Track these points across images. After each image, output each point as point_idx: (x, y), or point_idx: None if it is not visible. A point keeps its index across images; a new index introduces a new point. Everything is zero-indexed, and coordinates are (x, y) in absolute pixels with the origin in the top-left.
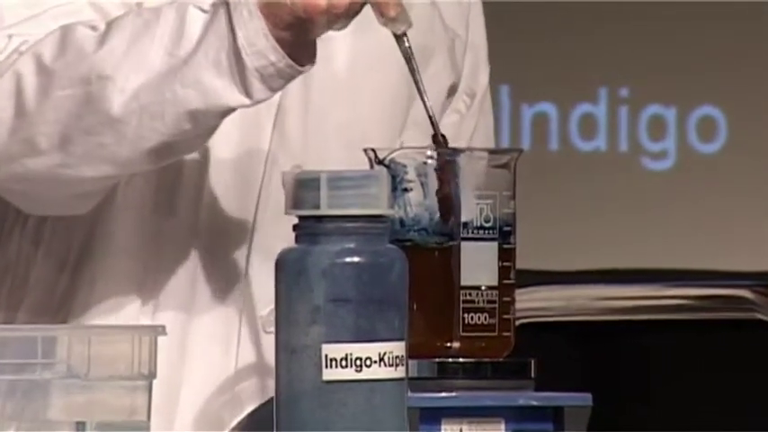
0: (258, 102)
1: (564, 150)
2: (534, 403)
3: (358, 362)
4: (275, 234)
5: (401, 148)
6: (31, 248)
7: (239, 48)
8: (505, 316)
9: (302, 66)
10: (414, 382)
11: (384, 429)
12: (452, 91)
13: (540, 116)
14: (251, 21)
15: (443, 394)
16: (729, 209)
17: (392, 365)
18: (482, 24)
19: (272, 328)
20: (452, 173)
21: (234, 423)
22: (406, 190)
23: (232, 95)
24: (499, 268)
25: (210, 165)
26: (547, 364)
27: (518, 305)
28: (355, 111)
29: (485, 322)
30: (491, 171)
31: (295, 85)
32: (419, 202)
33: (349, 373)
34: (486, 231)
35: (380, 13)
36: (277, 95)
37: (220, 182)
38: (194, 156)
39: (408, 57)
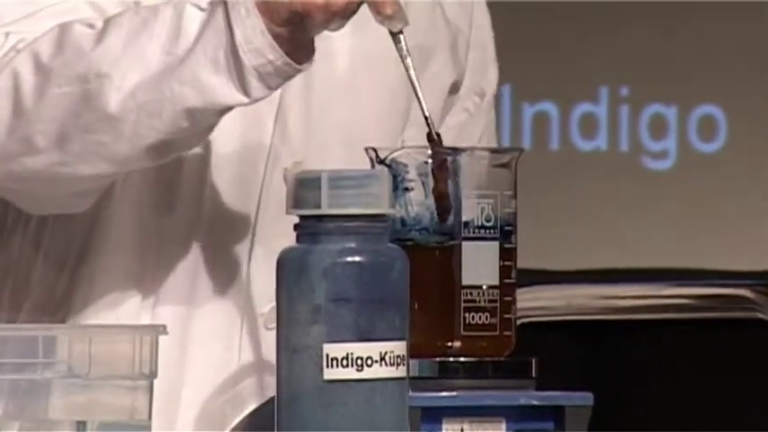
0: (256, 100)
1: (565, 150)
2: (535, 403)
3: (359, 361)
4: (277, 231)
5: (402, 147)
6: (32, 250)
7: (237, 46)
8: (506, 315)
9: (300, 64)
10: (415, 382)
11: (385, 429)
12: (454, 89)
13: (540, 115)
14: (248, 18)
15: (444, 394)
16: (730, 208)
17: (393, 365)
18: (488, 23)
19: (274, 325)
20: (451, 172)
21: (235, 422)
22: (407, 189)
23: (230, 93)
24: (500, 267)
25: (211, 161)
26: (548, 364)
27: (519, 304)
28: (356, 109)
29: (486, 322)
30: (492, 170)
31: (296, 83)
32: (420, 202)
33: (350, 373)
34: (487, 231)
35: (377, 11)
36: (278, 92)
37: (221, 178)
38: (195, 152)
39: (404, 55)
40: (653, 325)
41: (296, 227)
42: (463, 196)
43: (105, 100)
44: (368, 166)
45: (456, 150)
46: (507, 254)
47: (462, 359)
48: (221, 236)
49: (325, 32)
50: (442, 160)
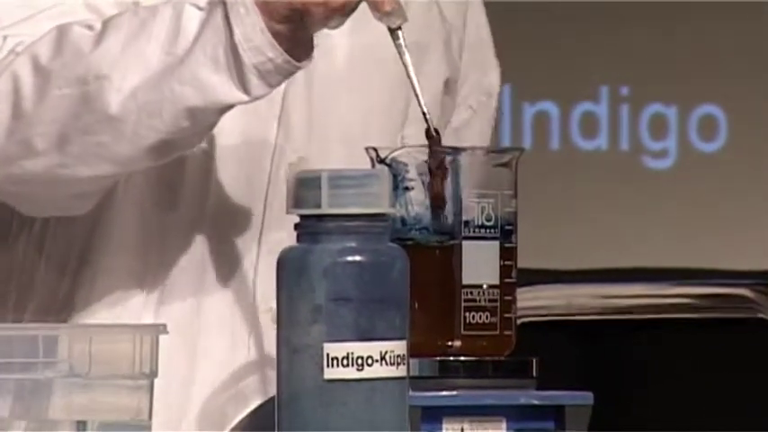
0: (256, 98)
1: (565, 149)
2: (535, 402)
3: (359, 361)
4: (284, 227)
5: (402, 147)
6: (36, 253)
7: (236, 44)
8: (507, 315)
9: (300, 62)
10: (415, 381)
11: (385, 428)
12: (447, 86)
13: (541, 115)
14: (248, 16)
15: (445, 393)
16: (730, 207)
17: (393, 364)
18: (484, 22)
19: None
20: (451, 171)
21: (235, 421)
22: (407, 189)
23: (230, 92)
24: (500, 267)
25: (215, 159)
26: (548, 363)
27: (519, 304)
28: (356, 106)
29: (486, 321)
30: (492, 170)
31: (298, 80)
32: (420, 201)
33: (350, 372)
34: (488, 230)
35: (376, 8)
36: (281, 89)
37: (225, 176)
38: (198, 150)
39: (402, 52)
40: (653, 325)
41: (296, 226)
42: (464, 196)
43: (105, 101)
44: (369, 162)
45: (456, 150)
46: (508, 253)
47: (462, 358)
48: (227, 233)
49: (325, 30)
50: (441, 159)
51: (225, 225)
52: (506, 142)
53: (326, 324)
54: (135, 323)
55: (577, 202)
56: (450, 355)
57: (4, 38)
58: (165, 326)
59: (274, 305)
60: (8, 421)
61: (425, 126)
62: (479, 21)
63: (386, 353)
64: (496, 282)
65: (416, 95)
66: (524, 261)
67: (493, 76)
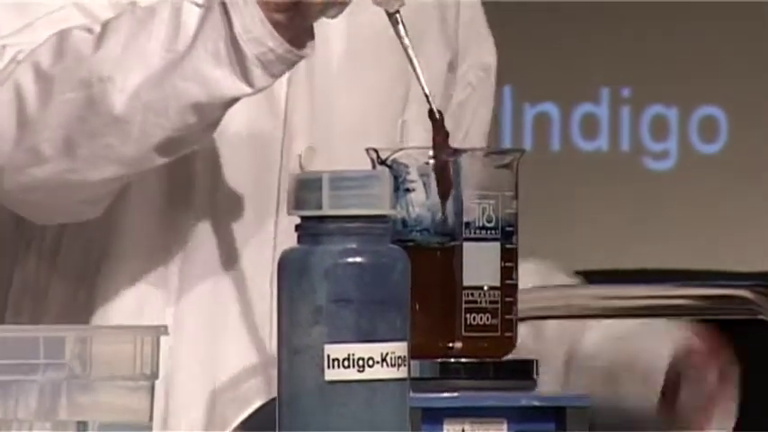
0: (260, 90)
1: (566, 150)
2: (536, 403)
3: (360, 362)
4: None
5: (403, 148)
6: (49, 266)
7: (237, 36)
8: (508, 316)
9: (300, 50)
10: (416, 383)
11: (386, 430)
12: (452, 67)
13: (541, 116)
14: (246, 8)
15: (445, 394)
16: (731, 209)
17: (394, 366)
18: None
19: None
20: (452, 173)
21: (237, 421)
22: (408, 190)
23: (233, 85)
24: (501, 268)
25: (224, 155)
26: None
27: (520, 305)
28: (357, 93)
29: (487, 322)
30: (493, 171)
31: (299, 70)
32: (421, 203)
33: (351, 374)
34: (489, 231)
35: None
36: (283, 80)
37: (236, 171)
38: (206, 147)
39: (401, 35)
40: None
41: (297, 227)
42: (464, 197)
43: (110, 103)
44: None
45: (457, 151)
46: (508, 255)
47: (463, 360)
48: (242, 228)
49: (322, 18)
50: (444, 138)
51: (239, 220)
52: (507, 143)
53: (327, 325)
54: (135, 325)
55: (578, 204)
56: (450, 357)
57: (3, 47)
58: (165, 327)
59: None
60: (8, 422)
61: (428, 108)
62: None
63: (387, 354)
64: (497, 283)
65: (417, 77)
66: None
67: (488, 50)
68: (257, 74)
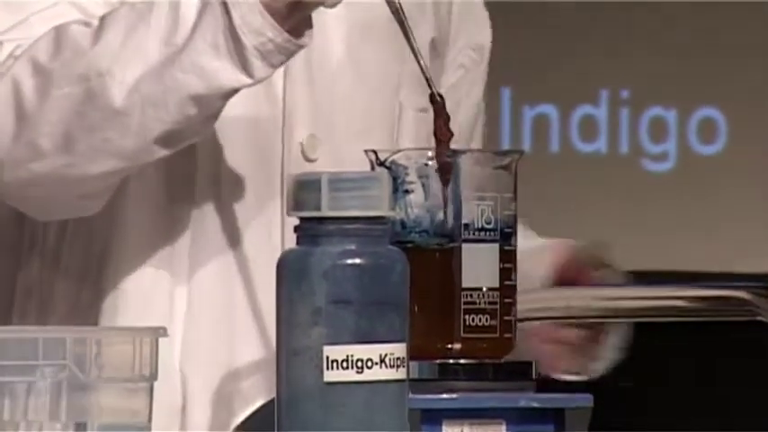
0: (260, 80)
1: (565, 152)
2: (535, 405)
3: (359, 363)
4: None
5: (402, 149)
6: (53, 267)
7: (236, 27)
8: (506, 317)
9: (299, 40)
10: (415, 384)
11: (385, 431)
12: (434, 45)
13: (540, 118)
14: None
15: (444, 396)
16: (730, 210)
17: (393, 367)
18: None
19: None
20: (453, 172)
21: (237, 422)
22: (407, 192)
23: (233, 76)
24: (500, 270)
25: (225, 146)
26: None
27: (519, 306)
28: (356, 79)
29: (486, 324)
30: (492, 173)
31: (297, 59)
32: (420, 204)
33: (350, 375)
34: (487, 233)
35: None
36: (281, 70)
37: (237, 162)
38: (206, 140)
39: (400, 17)
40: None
41: (296, 229)
42: (463, 198)
43: (109, 96)
44: (374, 136)
45: (456, 152)
46: (507, 256)
47: (462, 361)
48: (246, 219)
49: (321, 8)
50: (444, 115)
51: (244, 212)
52: (506, 145)
53: (326, 326)
54: (134, 326)
55: (577, 205)
56: (449, 358)
57: (0, 43)
58: (164, 329)
59: None
60: (8, 423)
61: (429, 92)
62: None
63: (386, 355)
64: (496, 284)
65: (419, 62)
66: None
67: (484, 31)
68: (257, 65)
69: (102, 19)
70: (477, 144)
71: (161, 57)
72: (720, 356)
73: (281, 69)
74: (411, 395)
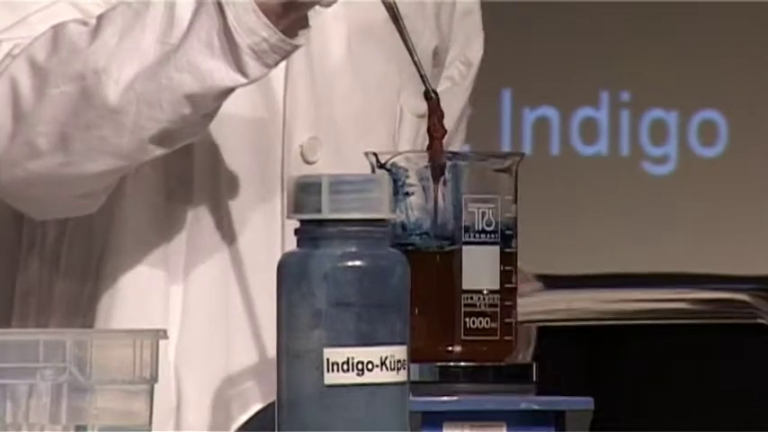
0: (255, 80)
1: (565, 154)
2: (536, 407)
3: (359, 366)
4: None
5: (403, 152)
6: (52, 268)
7: (230, 27)
8: (507, 320)
9: (294, 39)
10: (415, 386)
11: None
12: (436, 54)
13: (541, 120)
14: None
15: (445, 398)
16: (730, 213)
17: (394, 369)
18: None
19: None
20: (451, 176)
21: (237, 423)
22: (407, 194)
23: (227, 75)
24: (501, 272)
25: (223, 147)
26: (548, 368)
27: (520, 309)
28: (356, 81)
29: (486, 326)
30: (493, 175)
31: (298, 61)
32: (420, 207)
33: (350, 377)
34: (488, 235)
35: None
36: (282, 71)
37: (236, 163)
38: (205, 140)
39: (397, 17)
40: (653, 329)
41: (296, 231)
42: (464, 201)
43: (104, 94)
44: (374, 138)
45: (456, 155)
46: (508, 258)
47: (463, 364)
48: (246, 221)
49: (317, 7)
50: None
51: (242, 213)
52: (507, 147)
53: (327, 329)
54: (134, 329)
55: (577, 208)
56: (450, 361)
57: None
58: (164, 331)
59: None
60: (10, 426)
61: (421, 90)
62: None
63: (386, 358)
64: (497, 287)
65: (413, 59)
66: (525, 266)
67: (476, 45)
68: (251, 64)
69: (100, 18)
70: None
71: (156, 55)
72: (721, 358)
73: (282, 72)
74: (412, 398)
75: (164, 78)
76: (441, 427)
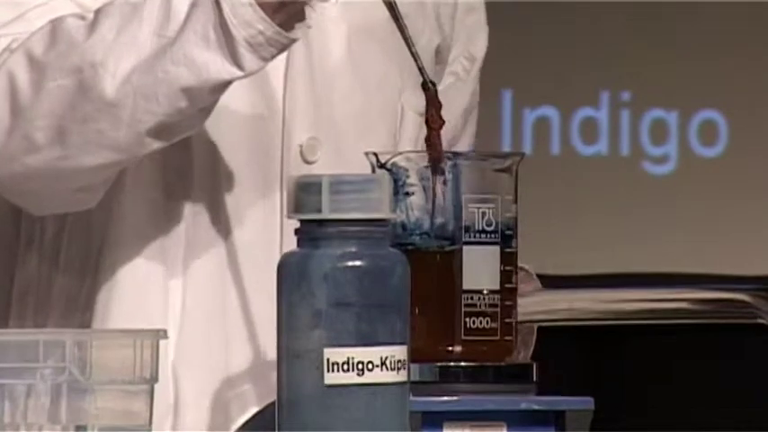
0: (251, 73)
1: (565, 154)
2: (536, 407)
3: (360, 366)
4: None
5: (403, 152)
6: (51, 265)
7: (226, 20)
8: (507, 320)
9: (290, 33)
10: (416, 386)
11: None
12: (438, 51)
13: (541, 120)
14: None
15: (445, 398)
16: (731, 213)
17: (394, 369)
18: None
19: None
20: (451, 176)
21: (238, 424)
22: (407, 194)
23: (223, 68)
24: (501, 272)
25: (222, 145)
26: (549, 368)
27: (520, 309)
28: (356, 81)
29: (486, 326)
30: (493, 175)
31: (298, 62)
32: (421, 206)
33: (351, 377)
34: (488, 235)
35: None
36: (281, 72)
37: (235, 161)
38: (204, 137)
39: (396, 12)
40: (653, 329)
41: (296, 231)
42: (464, 201)
43: (101, 88)
44: (374, 138)
45: (456, 155)
46: (508, 258)
47: (463, 364)
48: (245, 219)
49: (317, 8)
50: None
51: (241, 212)
52: (507, 147)
53: (327, 329)
54: (135, 329)
55: (578, 208)
56: (450, 361)
57: None
58: (165, 331)
59: None
60: (8, 426)
61: (421, 80)
62: None
63: (386, 358)
64: (497, 287)
65: (410, 48)
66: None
67: (480, 40)
68: (247, 57)
69: (97, 12)
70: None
71: (153, 49)
72: (721, 358)
73: (281, 71)
74: (412, 398)
75: (160, 72)
76: (441, 427)
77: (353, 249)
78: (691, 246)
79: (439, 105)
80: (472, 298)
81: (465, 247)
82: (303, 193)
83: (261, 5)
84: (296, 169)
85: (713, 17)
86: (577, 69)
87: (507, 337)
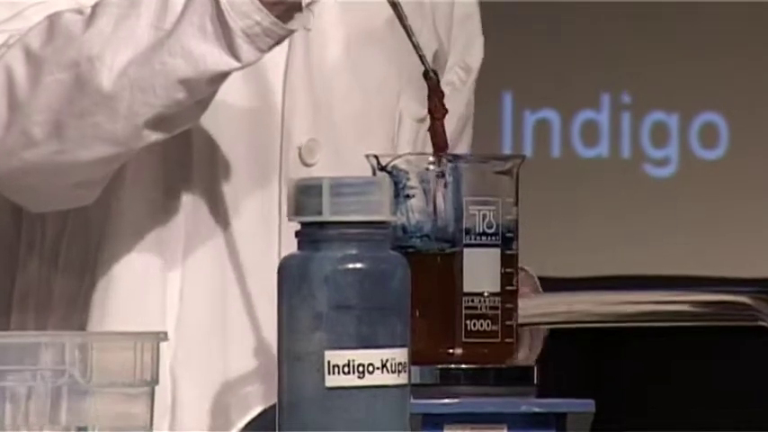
0: (248, 64)
1: (566, 157)
2: (537, 410)
3: (360, 368)
4: None
5: (403, 154)
6: (51, 267)
7: (223, 10)
8: (508, 322)
9: (287, 24)
10: (416, 389)
11: None
12: (436, 56)
13: (542, 123)
14: None
15: (446, 401)
16: (731, 215)
17: (395, 372)
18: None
19: None
20: (452, 179)
21: (239, 425)
22: (408, 196)
23: (220, 59)
24: (501, 275)
25: (222, 146)
26: (549, 371)
27: (520, 311)
28: (356, 83)
29: (487, 329)
30: (493, 177)
31: (297, 63)
32: (421, 209)
33: (351, 380)
34: (489, 238)
35: None
36: (280, 72)
37: (235, 162)
38: (203, 137)
39: (399, 11)
40: (654, 332)
41: (297, 234)
42: (464, 203)
43: (98, 81)
44: (373, 141)
45: (457, 157)
46: (508, 261)
47: (464, 366)
48: (243, 220)
49: (316, 11)
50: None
51: (240, 212)
52: (507, 150)
53: (327, 331)
54: (135, 331)
55: (578, 210)
56: (451, 363)
57: None
58: (165, 333)
59: None
60: (7, 428)
61: (425, 90)
62: None
63: (387, 360)
64: (497, 289)
65: (410, 38)
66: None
67: (476, 50)
68: (244, 48)
69: (95, 6)
70: None
71: (150, 41)
72: (721, 360)
73: (281, 73)
74: (413, 400)
75: (157, 64)
76: (441, 430)
77: (354, 252)
78: (691, 248)
79: (441, 95)
80: (473, 300)
81: (465, 250)
82: (303, 196)
83: None
84: (295, 172)
85: (714, 19)
86: (578, 72)
87: (508, 340)
